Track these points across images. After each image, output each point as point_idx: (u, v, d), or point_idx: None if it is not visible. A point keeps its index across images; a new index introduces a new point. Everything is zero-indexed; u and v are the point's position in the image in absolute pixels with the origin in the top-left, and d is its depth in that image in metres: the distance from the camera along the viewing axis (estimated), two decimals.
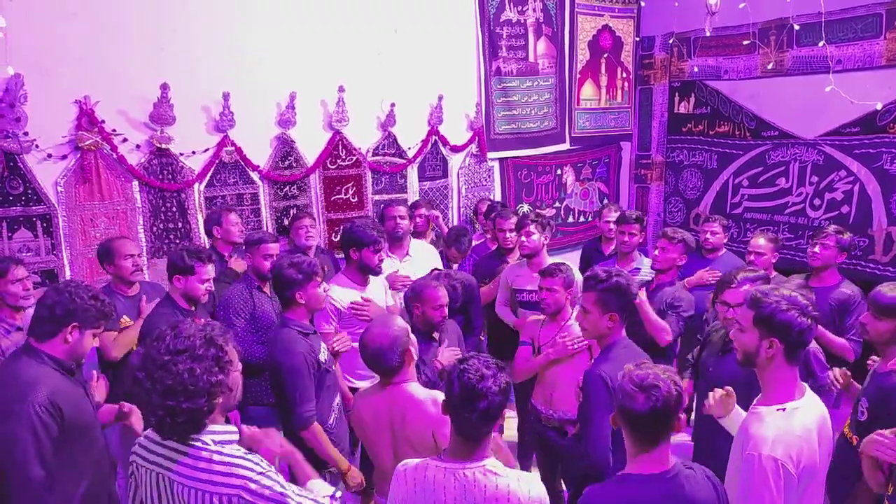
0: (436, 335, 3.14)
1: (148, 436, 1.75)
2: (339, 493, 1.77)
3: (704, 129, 6.17)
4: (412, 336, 2.45)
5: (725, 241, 4.45)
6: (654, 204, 6.73)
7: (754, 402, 2.05)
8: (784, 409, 1.93)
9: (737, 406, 2.27)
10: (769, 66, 5.43)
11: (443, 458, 1.90)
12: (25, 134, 3.78)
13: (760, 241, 4.02)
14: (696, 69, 6.05)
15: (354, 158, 5.09)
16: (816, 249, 3.66)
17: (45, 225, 3.92)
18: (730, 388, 2.30)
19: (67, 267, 4.01)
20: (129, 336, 3.19)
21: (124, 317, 3.24)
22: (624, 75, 6.64)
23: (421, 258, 4.12)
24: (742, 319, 2.03)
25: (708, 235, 4.35)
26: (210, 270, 3.15)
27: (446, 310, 3.11)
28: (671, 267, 3.75)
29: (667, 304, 3.55)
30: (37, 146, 3.84)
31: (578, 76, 6.32)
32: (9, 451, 1.98)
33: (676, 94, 6.40)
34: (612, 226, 4.69)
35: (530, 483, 1.88)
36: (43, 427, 1.99)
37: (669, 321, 3.46)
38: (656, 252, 3.81)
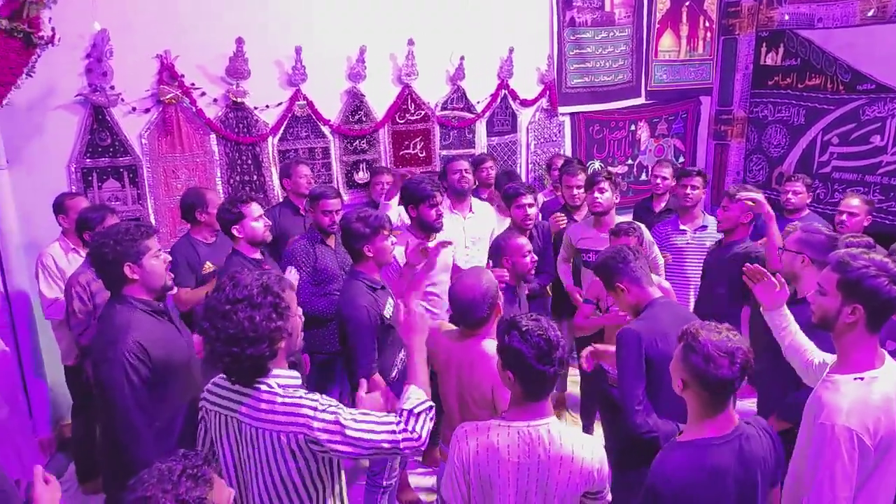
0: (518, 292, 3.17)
1: (216, 381, 1.85)
2: (419, 409, 1.74)
3: (793, 83, 5.78)
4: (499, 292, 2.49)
5: (809, 201, 4.22)
6: (733, 162, 6.41)
7: (827, 369, 1.97)
8: (862, 379, 1.85)
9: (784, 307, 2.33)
10: (869, 14, 5.00)
11: (505, 417, 1.92)
12: (112, 88, 3.96)
13: (854, 202, 3.78)
14: (786, 17, 5.64)
15: (423, 113, 5.08)
16: None
17: (131, 175, 4.14)
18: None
19: (152, 216, 4.24)
20: (196, 295, 3.37)
21: (207, 262, 3.46)
22: (706, 25, 6.27)
23: (483, 215, 4.08)
24: (824, 282, 1.94)
25: (790, 195, 4.14)
26: (255, 208, 3.23)
27: (534, 256, 3.14)
28: (735, 226, 3.55)
29: (742, 259, 3.36)
30: (122, 100, 4.03)
31: (657, 26, 6.01)
32: (108, 394, 2.15)
33: (764, 44, 6.00)
34: (658, 181, 4.63)
35: (593, 445, 1.89)
36: (133, 370, 2.14)
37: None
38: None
